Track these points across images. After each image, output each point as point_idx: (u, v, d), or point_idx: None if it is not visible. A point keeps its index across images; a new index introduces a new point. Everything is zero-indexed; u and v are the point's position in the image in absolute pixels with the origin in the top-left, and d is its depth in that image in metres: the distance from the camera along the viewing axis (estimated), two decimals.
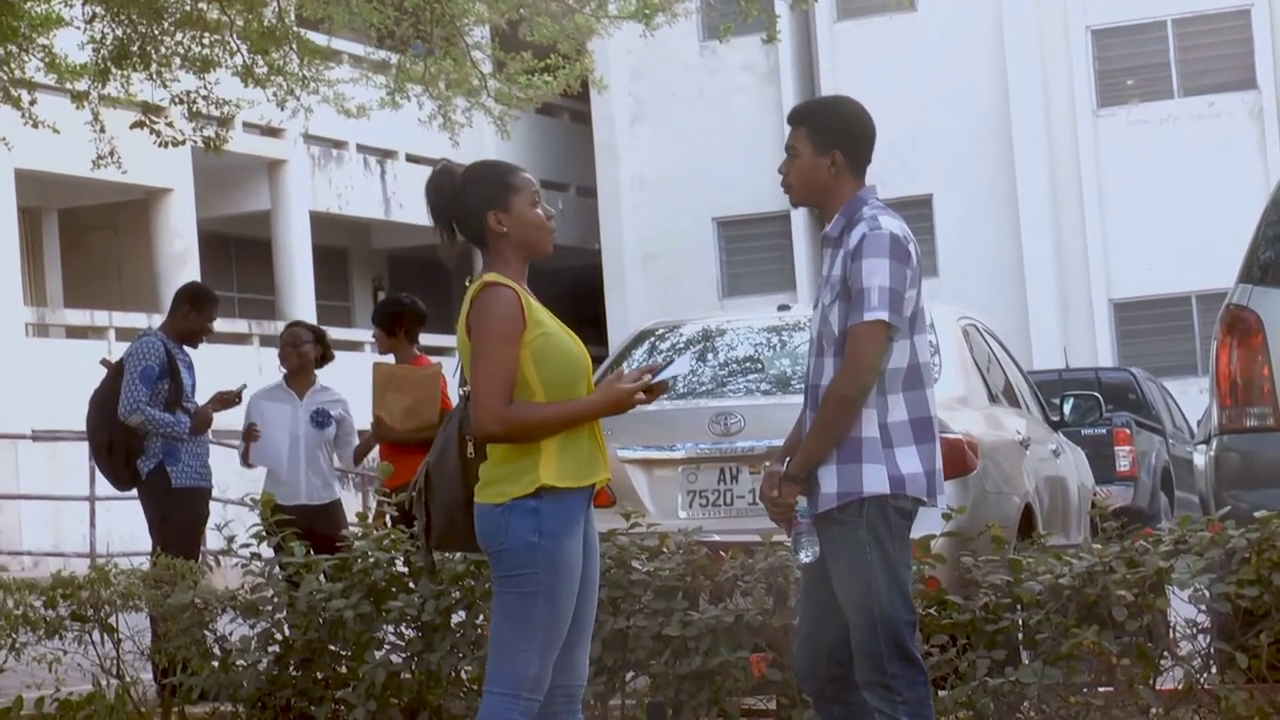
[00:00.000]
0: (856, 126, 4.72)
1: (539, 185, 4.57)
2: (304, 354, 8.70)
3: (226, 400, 8.38)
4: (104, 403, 8.26)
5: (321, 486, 8.60)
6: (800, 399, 4.80)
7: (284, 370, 8.79)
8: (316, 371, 8.80)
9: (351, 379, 9.14)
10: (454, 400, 8.38)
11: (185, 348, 8.44)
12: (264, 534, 6.90)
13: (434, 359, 8.95)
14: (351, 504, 17.64)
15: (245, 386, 8.58)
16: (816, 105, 4.84)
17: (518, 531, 4.35)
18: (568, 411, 4.37)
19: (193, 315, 8.38)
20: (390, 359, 8.80)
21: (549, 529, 4.34)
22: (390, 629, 6.67)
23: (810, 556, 4.61)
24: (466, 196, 4.47)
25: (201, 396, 8.53)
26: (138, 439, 8.19)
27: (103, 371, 8.45)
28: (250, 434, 8.61)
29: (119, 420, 8.18)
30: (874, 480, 4.56)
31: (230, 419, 8.83)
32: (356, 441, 8.81)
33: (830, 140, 4.69)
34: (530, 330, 4.38)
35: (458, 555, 6.51)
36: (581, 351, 4.52)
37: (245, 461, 8.76)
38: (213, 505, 8.56)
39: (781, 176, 4.77)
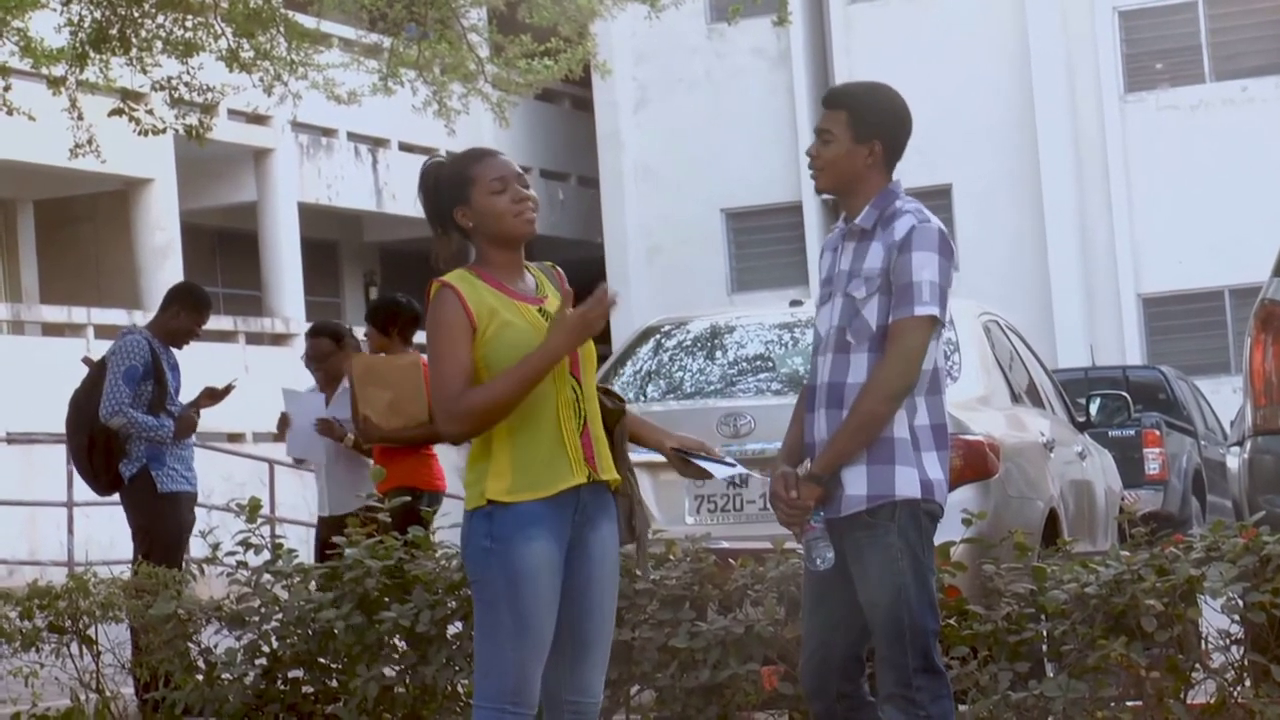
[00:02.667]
0: (899, 118, 4.63)
1: (509, 168, 4.37)
2: (328, 369, 8.62)
3: (215, 395, 8.22)
4: (84, 404, 8.06)
5: (347, 495, 8.37)
6: None
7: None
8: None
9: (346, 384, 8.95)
10: None
11: (171, 348, 8.22)
12: (247, 542, 6.74)
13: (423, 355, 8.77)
14: None
15: (236, 382, 8.44)
16: (860, 90, 4.70)
17: (473, 537, 4.28)
18: (521, 372, 4.21)
19: (183, 316, 8.22)
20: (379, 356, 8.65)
21: (500, 533, 4.24)
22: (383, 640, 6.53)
23: (825, 563, 4.50)
24: (442, 195, 4.39)
25: (186, 397, 8.37)
26: (119, 441, 8.04)
27: (83, 370, 8.23)
28: (282, 422, 8.53)
29: (99, 421, 7.97)
30: (906, 483, 4.47)
31: (216, 421, 8.62)
32: None
33: (872, 129, 4.58)
34: (480, 330, 4.25)
35: (455, 563, 6.40)
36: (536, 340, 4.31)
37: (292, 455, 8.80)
38: (197, 511, 8.40)
39: (810, 160, 4.62)
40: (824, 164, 4.59)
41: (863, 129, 4.55)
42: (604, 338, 24.40)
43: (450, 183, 4.35)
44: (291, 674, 6.69)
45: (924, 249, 4.46)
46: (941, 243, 4.49)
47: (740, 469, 4.58)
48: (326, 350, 8.61)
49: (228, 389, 8.31)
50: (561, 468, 4.29)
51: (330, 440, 8.45)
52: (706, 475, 4.56)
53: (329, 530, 8.10)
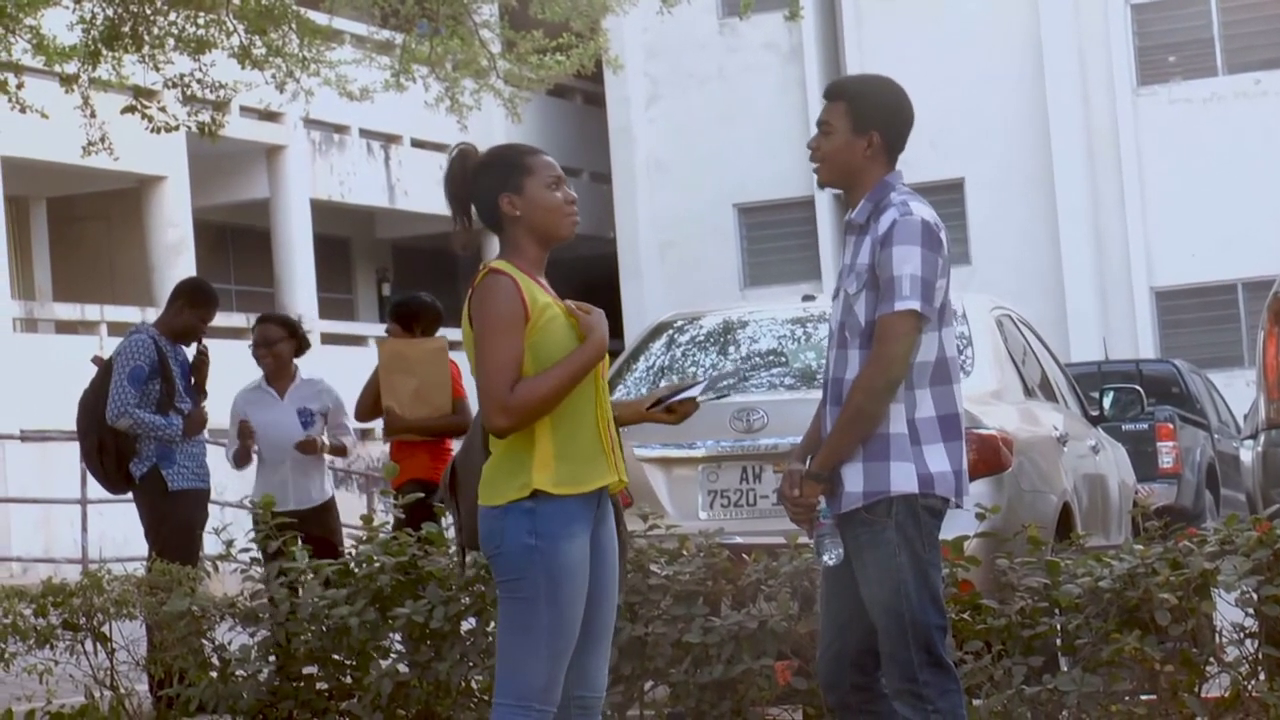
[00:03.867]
0: (898, 108, 4.59)
1: (560, 170, 4.44)
2: (278, 354, 8.45)
3: (199, 369, 8.09)
4: (93, 404, 8.04)
5: (311, 489, 8.33)
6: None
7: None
8: (296, 361, 8.55)
9: (353, 375, 8.94)
10: (466, 388, 8.21)
11: (180, 345, 8.18)
12: (264, 539, 6.73)
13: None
14: (356, 505, 17.46)
15: (204, 344, 8.24)
16: (858, 81, 4.68)
17: (513, 533, 4.25)
18: (567, 369, 4.26)
19: (186, 311, 8.15)
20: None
21: (545, 530, 4.24)
22: (397, 637, 6.56)
23: (834, 559, 4.50)
24: (481, 179, 4.38)
25: None
26: (130, 441, 8.00)
27: (94, 369, 8.19)
28: (244, 432, 8.35)
29: (108, 423, 7.92)
30: (902, 478, 4.45)
31: (228, 418, 8.54)
32: (350, 424, 8.53)
33: (870, 120, 4.55)
34: (533, 321, 4.26)
35: (469, 559, 6.37)
36: None
37: (238, 464, 8.51)
38: (210, 508, 8.35)
39: (811, 153, 4.61)
40: (823, 156, 4.58)
41: (861, 120, 4.53)
42: (616, 333, 24.38)
43: (501, 168, 4.36)
44: (305, 670, 6.67)
45: (905, 242, 4.43)
46: (925, 234, 4.45)
47: (705, 381, 4.60)
48: (275, 336, 8.43)
49: (202, 353, 8.08)
50: (600, 466, 4.32)
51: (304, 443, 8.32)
52: (692, 407, 4.57)
53: (301, 523, 8.05)
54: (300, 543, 6.91)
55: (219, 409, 8.37)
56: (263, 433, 8.29)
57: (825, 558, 4.49)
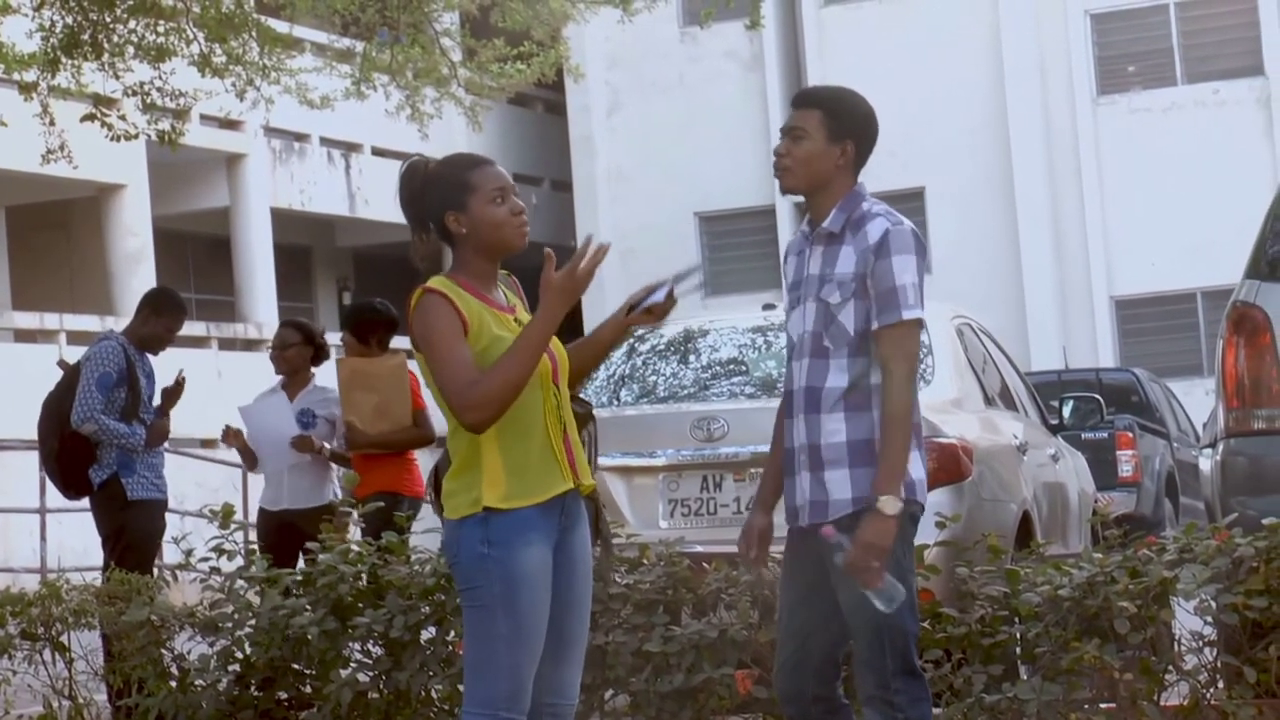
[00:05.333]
0: (870, 122, 4.63)
1: (507, 179, 4.39)
2: (289, 358, 8.51)
3: (172, 394, 8.13)
4: (56, 407, 8.00)
5: (308, 489, 8.34)
6: None
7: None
8: (315, 369, 8.58)
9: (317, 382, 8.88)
10: (426, 399, 8.21)
11: (147, 355, 8.17)
12: (221, 549, 6.70)
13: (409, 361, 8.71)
14: None
15: (184, 373, 8.32)
16: (834, 91, 4.70)
17: (466, 543, 4.26)
18: (523, 345, 4.21)
19: (151, 320, 8.15)
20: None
21: (498, 538, 4.23)
22: (357, 646, 6.55)
23: (900, 597, 4.40)
24: (428, 196, 4.37)
25: None
26: (90, 447, 7.96)
27: (57, 375, 8.17)
28: (226, 433, 8.38)
29: (71, 427, 7.90)
30: None
31: (189, 427, 8.55)
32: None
33: (845, 130, 4.58)
34: (473, 331, 4.26)
35: (428, 569, 6.38)
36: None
37: (252, 468, 8.61)
38: (170, 517, 8.36)
39: (778, 158, 4.60)
40: (794, 162, 4.57)
41: (836, 129, 4.55)
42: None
43: (445, 186, 4.33)
44: (265, 680, 6.66)
45: (902, 252, 4.48)
46: (916, 244, 4.51)
47: (671, 277, 4.48)
48: (290, 340, 8.49)
49: (179, 383, 8.20)
50: (553, 474, 4.30)
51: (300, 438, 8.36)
52: (670, 305, 4.45)
53: (296, 523, 8.04)
54: (273, 546, 6.91)
55: (180, 421, 8.36)
56: (263, 433, 8.33)
57: (890, 607, 4.38)
